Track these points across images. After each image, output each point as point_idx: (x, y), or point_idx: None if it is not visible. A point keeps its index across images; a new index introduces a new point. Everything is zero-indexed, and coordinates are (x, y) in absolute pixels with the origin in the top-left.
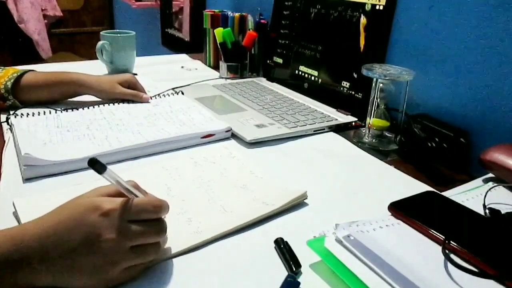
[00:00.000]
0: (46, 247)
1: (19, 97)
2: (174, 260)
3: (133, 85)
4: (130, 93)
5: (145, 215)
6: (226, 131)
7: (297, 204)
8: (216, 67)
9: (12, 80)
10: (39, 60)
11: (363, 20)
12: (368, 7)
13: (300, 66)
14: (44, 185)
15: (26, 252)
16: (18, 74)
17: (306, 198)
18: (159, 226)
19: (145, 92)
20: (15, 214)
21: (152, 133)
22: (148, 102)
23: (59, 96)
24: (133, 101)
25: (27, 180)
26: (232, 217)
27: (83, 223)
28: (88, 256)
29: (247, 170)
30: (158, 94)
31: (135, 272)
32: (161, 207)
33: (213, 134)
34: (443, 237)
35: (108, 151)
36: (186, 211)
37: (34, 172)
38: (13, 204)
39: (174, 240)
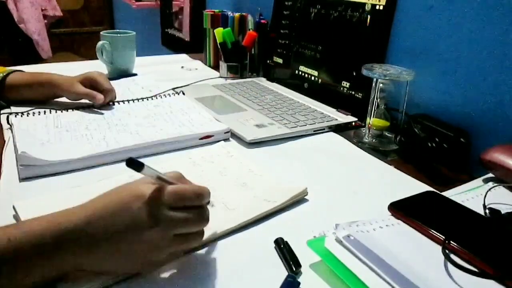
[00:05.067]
0: (93, 230)
1: (4, 96)
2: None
3: (95, 83)
4: (84, 92)
5: (187, 202)
6: (225, 132)
7: (298, 201)
8: (216, 67)
9: None
10: (39, 60)
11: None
12: (368, 7)
13: (300, 66)
14: (40, 185)
15: (72, 235)
16: (4, 74)
17: (307, 194)
18: (201, 214)
19: (108, 91)
20: (16, 217)
21: (150, 134)
22: (108, 104)
23: (42, 96)
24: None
25: (23, 179)
26: (236, 214)
27: (128, 209)
28: (133, 243)
29: (246, 168)
30: (159, 94)
31: (176, 256)
32: (202, 194)
33: (212, 135)
34: (443, 237)
35: (104, 151)
36: None
37: (30, 171)
38: (14, 207)
39: None
